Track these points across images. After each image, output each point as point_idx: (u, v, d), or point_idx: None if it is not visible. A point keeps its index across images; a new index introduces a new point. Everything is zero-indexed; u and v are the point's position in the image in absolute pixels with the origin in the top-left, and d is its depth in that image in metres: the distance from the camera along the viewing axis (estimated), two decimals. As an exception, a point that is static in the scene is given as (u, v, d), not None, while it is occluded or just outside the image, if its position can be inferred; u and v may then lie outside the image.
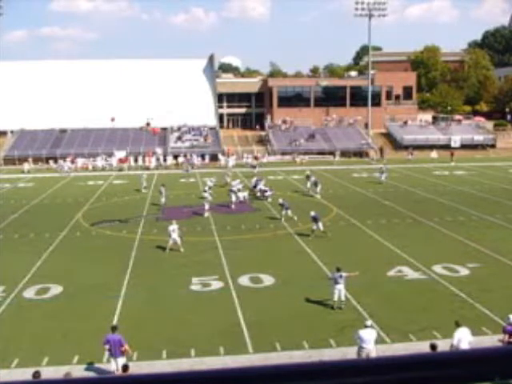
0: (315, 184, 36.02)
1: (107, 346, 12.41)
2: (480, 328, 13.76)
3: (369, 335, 12.50)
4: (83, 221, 29.19)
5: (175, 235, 22.54)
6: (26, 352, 13.51)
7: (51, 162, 55.10)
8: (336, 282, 16.09)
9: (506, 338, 12.40)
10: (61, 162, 53.54)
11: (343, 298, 16.11)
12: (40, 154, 56.57)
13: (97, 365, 12.94)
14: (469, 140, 64.15)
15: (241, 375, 1.26)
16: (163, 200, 33.26)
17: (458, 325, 12.43)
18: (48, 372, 12.13)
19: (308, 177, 38.17)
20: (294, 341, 14.00)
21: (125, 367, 11.69)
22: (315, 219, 24.58)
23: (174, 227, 22.72)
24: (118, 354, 12.29)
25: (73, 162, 54.66)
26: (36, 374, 10.89)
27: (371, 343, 12.41)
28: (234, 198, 32.40)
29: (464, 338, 11.99)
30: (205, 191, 33.64)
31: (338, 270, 16.52)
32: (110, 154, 56.63)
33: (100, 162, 55.53)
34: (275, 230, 26.30)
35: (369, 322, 13.16)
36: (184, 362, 12.95)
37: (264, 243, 23.93)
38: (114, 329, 12.89)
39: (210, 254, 22.26)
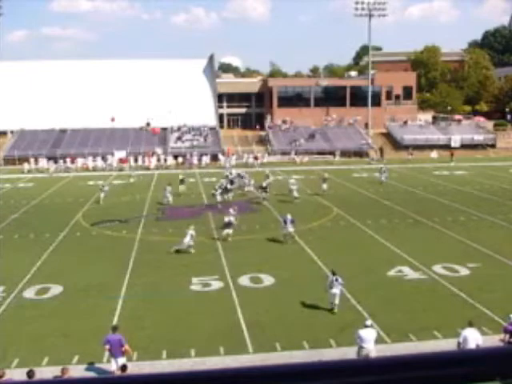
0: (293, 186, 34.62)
1: (107, 346, 12.41)
2: (480, 328, 13.73)
3: (369, 335, 12.50)
4: (83, 221, 29.20)
5: (189, 239, 22.19)
6: (25, 352, 13.50)
7: (48, 162, 54.70)
8: (331, 287, 15.74)
9: (507, 337, 12.41)
10: (60, 162, 53.68)
11: (337, 302, 15.74)
12: (40, 154, 56.54)
13: (97, 365, 12.94)
14: (469, 140, 64.14)
15: (241, 375, 1.25)
16: (170, 199, 33.63)
17: (469, 324, 12.46)
18: (48, 372, 12.14)
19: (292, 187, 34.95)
20: (294, 341, 14.00)
21: (123, 367, 11.68)
22: (286, 223, 23.84)
23: (191, 232, 22.41)
24: (119, 354, 12.29)
25: (73, 162, 54.72)
26: (30, 373, 10.88)
27: (371, 343, 12.41)
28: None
29: (471, 338, 11.98)
30: (216, 190, 33.78)
31: (334, 273, 16.20)
32: (109, 154, 56.60)
33: (99, 162, 55.52)
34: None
35: (369, 322, 13.15)
36: (184, 362, 12.95)
37: (264, 243, 23.92)
38: (114, 329, 12.90)
39: (210, 254, 22.25)
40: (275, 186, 38.66)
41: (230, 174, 40.15)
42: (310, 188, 38.30)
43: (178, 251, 22.29)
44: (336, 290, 15.70)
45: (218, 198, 32.63)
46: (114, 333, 12.68)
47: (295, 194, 33.97)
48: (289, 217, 24.07)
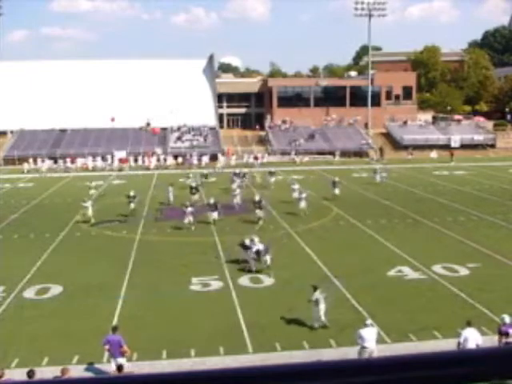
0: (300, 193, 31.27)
1: (107, 347, 12.42)
2: (480, 328, 13.73)
3: (370, 334, 12.51)
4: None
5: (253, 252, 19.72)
6: (25, 352, 13.50)
7: (42, 162, 54.50)
8: (317, 304, 14.60)
9: (503, 338, 12.36)
10: (60, 162, 53.69)
11: (324, 318, 14.59)
12: (40, 154, 56.54)
13: (97, 365, 12.94)
14: (468, 140, 64.13)
15: (241, 375, 1.25)
16: (171, 199, 33.61)
17: (468, 324, 12.46)
18: (48, 372, 12.13)
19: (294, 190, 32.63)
20: (293, 341, 14.00)
21: (119, 367, 11.67)
22: (266, 251, 19.79)
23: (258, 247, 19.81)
24: (118, 354, 12.29)
25: (73, 162, 54.73)
26: (30, 373, 10.88)
27: (373, 342, 12.41)
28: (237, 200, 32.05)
29: (471, 338, 11.99)
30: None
31: (315, 288, 14.92)
32: (109, 154, 56.56)
33: (99, 162, 55.52)
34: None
35: (368, 321, 13.16)
36: (184, 362, 12.95)
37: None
38: (114, 329, 12.91)
39: (210, 254, 22.25)
40: (277, 186, 38.70)
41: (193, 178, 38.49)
42: (311, 188, 38.26)
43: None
44: (323, 306, 14.59)
45: (187, 220, 26.87)
46: (113, 333, 12.69)
47: (303, 204, 29.17)
48: (261, 246, 19.93)
